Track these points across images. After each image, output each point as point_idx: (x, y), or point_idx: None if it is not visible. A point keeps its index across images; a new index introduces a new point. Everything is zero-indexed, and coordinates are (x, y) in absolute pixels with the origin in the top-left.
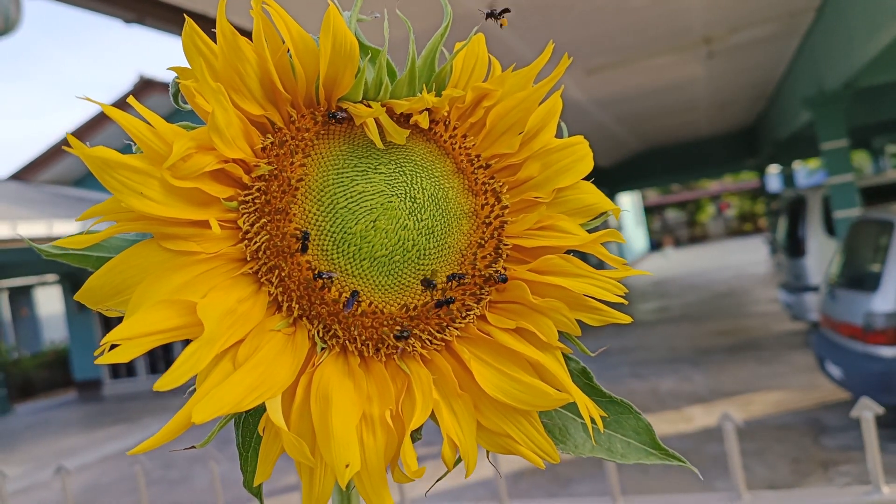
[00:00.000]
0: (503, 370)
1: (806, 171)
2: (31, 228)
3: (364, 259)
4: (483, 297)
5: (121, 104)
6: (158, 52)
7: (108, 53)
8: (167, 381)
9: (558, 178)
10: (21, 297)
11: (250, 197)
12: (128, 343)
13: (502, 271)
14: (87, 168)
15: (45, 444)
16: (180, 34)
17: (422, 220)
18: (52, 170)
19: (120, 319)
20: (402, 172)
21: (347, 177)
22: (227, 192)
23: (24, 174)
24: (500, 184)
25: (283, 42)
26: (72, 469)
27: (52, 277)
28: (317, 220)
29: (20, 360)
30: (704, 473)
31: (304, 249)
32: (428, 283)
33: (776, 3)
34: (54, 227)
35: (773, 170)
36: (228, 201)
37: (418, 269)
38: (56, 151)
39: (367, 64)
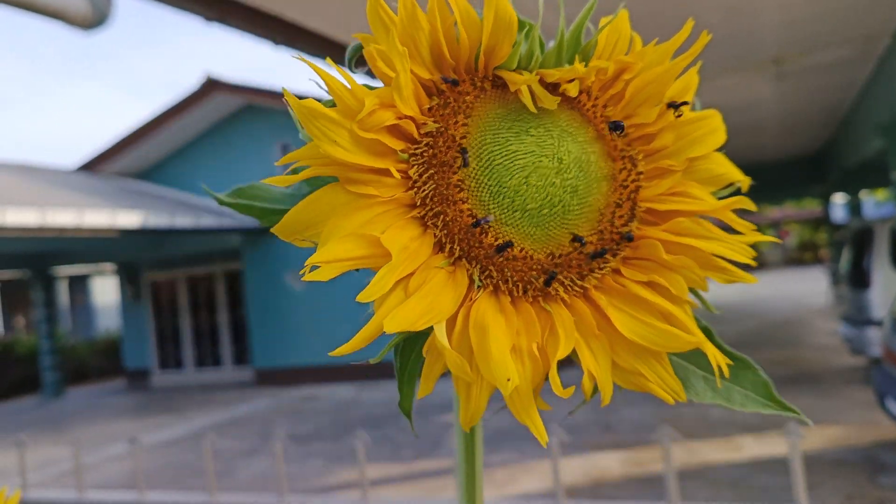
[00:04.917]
0: (637, 316)
1: (873, 202)
2: (96, 217)
3: (516, 211)
4: (618, 251)
5: (189, 102)
6: (225, 54)
7: (175, 53)
8: (367, 294)
9: (691, 148)
10: (79, 286)
11: (419, 150)
12: (326, 266)
13: (634, 231)
14: (149, 162)
15: (94, 428)
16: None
17: (567, 180)
18: (117, 163)
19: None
20: (550, 136)
21: (503, 137)
22: (400, 145)
23: (91, 166)
24: (636, 151)
25: (451, 14)
26: (121, 452)
27: (109, 267)
28: (476, 175)
29: (75, 347)
30: None
31: (465, 164)
32: (578, 240)
33: (852, 25)
34: (118, 216)
35: (839, 199)
36: (403, 153)
37: (563, 223)
38: (121, 145)
39: (521, 37)
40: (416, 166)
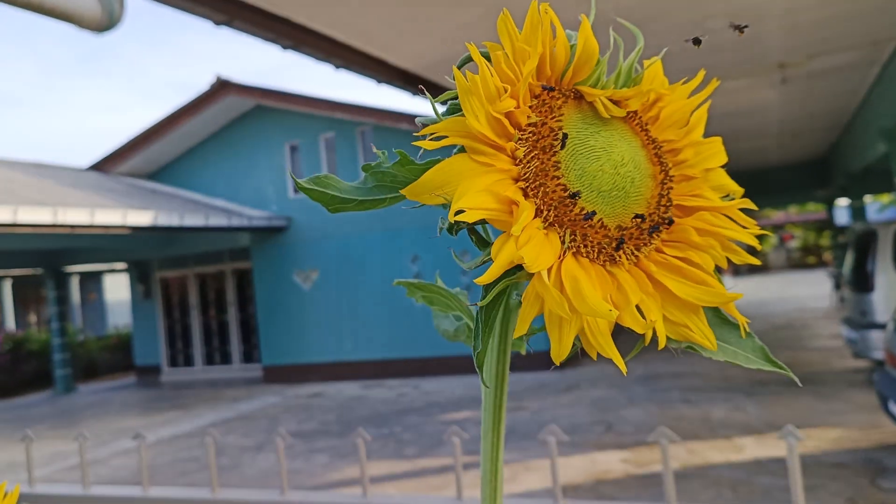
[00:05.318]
0: (679, 280)
1: (877, 206)
2: (106, 216)
3: (593, 191)
4: (662, 232)
5: (200, 102)
6: (235, 55)
7: (186, 55)
8: (516, 228)
9: (705, 162)
10: (90, 283)
11: (525, 136)
12: (469, 211)
13: (672, 216)
14: (160, 162)
15: (104, 423)
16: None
17: (628, 172)
18: (128, 162)
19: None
20: (613, 138)
21: (583, 134)
22: (512, 130)
23: (103, 165)
24: (667, 160)
25: (554, 39)
26: (130, 447)
27: (120, 265)
28: (566, 159)
29: (86, 343)
30: None
31: (563, 146)
32: (639, 217)
33: (858, 31)
34: (129, 215)
35: (842, 202)
36: (515, 133)
37: (625, 204)
38: (132, 145)
39: (598, 65)
40: (522, 148)
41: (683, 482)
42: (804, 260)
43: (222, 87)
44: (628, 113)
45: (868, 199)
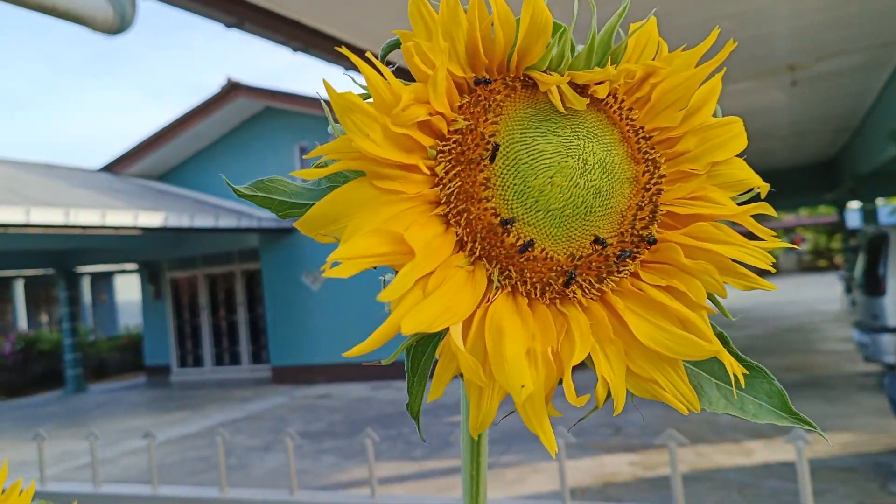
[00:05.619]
0: (654, 322)
1: (889, 209)
2: (118, 217)
3: (539, 210)
4: (637, 255)
5: (211, 104)
6: (246, 57)
7: (197, 56)
8: (389, 293)
9: (714, 152)
10: (102, 283)
11: (447, 147)
12: (347, 262)
13: (655, 234)
14: (170, 164)
15: (114, 422)
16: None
17: (591, 181)
18: (139, 164)
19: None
20: (576, 137)
21: (530, 136)
22: (429, 141)
23: (114, 167)
24: (659, 154)
25: (489, 14)
26: (139, 447)
27: (131, 266)
28: (501, 173)
29: (97, 343)
30: None
31: (493, 160)
32: (600, 242)
33: (867, 32)
34: (139, 216)
35: (854, 205)
36: (431, 149)
37: (584, 224)
38: (144, 147)
39: (554, 39)
40: (443, 163)
41: (691, 485)
42: (815, 263)
43: (233, 89)
44: (604, 98)
45: (880, 202)
